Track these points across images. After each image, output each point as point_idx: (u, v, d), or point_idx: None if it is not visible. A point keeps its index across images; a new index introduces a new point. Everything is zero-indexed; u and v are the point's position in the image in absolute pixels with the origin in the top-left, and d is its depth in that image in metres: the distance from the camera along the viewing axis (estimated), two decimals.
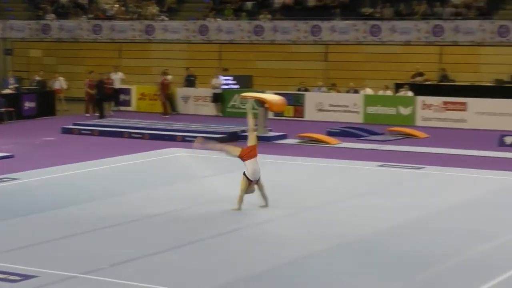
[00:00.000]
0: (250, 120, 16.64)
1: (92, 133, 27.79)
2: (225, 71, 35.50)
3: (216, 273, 11.28)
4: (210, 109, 34.40)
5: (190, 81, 36.12)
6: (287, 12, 38.68)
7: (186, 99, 35.13)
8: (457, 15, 34.59)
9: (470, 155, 22.90)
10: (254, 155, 15.63)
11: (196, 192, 17.34)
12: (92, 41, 42.12)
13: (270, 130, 26.94)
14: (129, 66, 39.58)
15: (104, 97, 34.02)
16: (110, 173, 20.22)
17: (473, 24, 33.59)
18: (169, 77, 34.54)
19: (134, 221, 14.60)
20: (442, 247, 12.72)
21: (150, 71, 38.93)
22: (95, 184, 18.41)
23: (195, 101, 35.07)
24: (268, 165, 20.90)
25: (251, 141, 15.94)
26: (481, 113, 29.06)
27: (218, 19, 39.55)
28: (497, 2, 35.21)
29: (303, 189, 17.84)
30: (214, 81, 34.35)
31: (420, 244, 12.97)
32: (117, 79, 35.84)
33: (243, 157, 15.57)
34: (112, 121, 30.47)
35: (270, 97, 27.59)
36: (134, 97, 36.79)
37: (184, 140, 25.46)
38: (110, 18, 42.53)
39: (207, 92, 34.65)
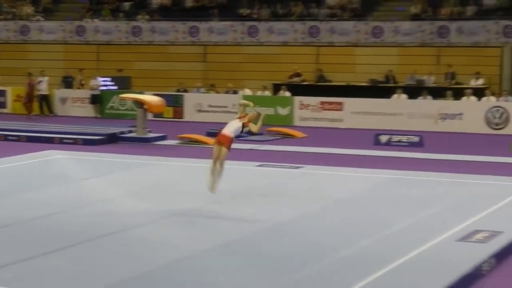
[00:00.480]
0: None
1: None
2: (120, 72, 35.33)
3: (99, 276, 11.08)
4: (88, 110, 33.91)
5: (67, 83, 35.64)
6: (165, 13, 38.52)
7: (63, 100, 34.61)
8: (332, 16, 35.13)
9: (347, 154, 23.33)
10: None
11: (76, 195, 17.06)
12: None
13: (150, 131, 26.76)
14: (5, 67, 38.59)
15: None
16: None
17: (348, 25, 34.20)
18: (45, 78, 33.92)
19: (11, 225, 14.19)
20: (321, 245, 12.85)
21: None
22: None
23: (73, 102, 34.59)
24: (147, 166, 20.94)
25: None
26: (357, 112, 29.66)
27: (96, 20, 39.18)
28: (371, 3, 35.92)
29: (182, 191, 17.79)
30: (92, 83, 33.98)
31: (298, 243, 13.08)
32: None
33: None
34: None
35: (148, 98, 27.52)
36: (9, 99, 35.90)
37: (61, 142, 25.15)
38: None
39: (85, 93, 34.25)
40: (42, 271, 11.42)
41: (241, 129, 16.31)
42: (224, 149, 15.92)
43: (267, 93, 32.73)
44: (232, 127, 16.20)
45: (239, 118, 16.36)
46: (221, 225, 14.48)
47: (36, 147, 24.30)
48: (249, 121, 16.38)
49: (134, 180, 19.06)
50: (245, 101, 17.66)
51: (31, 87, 33.78)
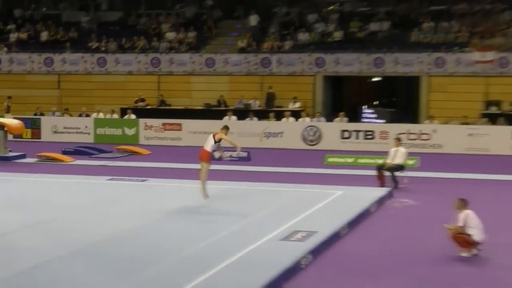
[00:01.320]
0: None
1: None
2: None
3: None
4: None
5: None
6: (22, 46, 37.27)
7: None
8: (171, 49, 35.09)
9: (186, 168, 23.27)
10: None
11: None
12: None
13: (10, 151, 25.81)
14: None
15: None
16: None
17: (185, 57, 34.23)
18: None
19: None
20: (163, 248, 12.80)
21: None
22: None
23: None
24: (8, 182, 20.19)
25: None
26: (194, 132, 29.62)
27: None
28: (204, 38, 36.06)
29: (39, 203, 17.13)
30: None
31: (143, 247, 12.96)
32: None
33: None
34: None
35: (9, 121, 26.65)
36: None
37: None
38: None
39: None
40: None
41: (213, 141, 17.07)
42: (203, 163, 17.04)
43: (115, 116, 32.38)
44: (207, 143, 17.20)
45: (213, 134, 17.29)
46: (74, 232, 14.11)
47: None
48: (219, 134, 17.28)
49: None
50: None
51: None
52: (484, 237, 12.67)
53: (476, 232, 12.64)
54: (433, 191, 19.02)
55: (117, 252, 12.59)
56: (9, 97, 33.83)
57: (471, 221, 12.64)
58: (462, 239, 12.65)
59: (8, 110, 32.81)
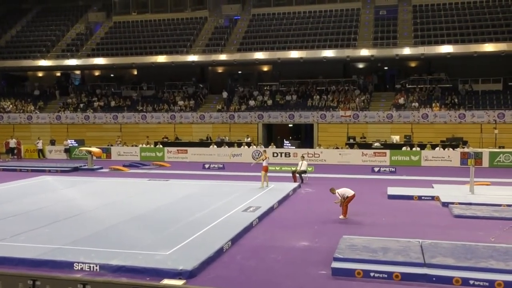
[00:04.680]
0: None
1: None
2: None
3: (59, 239, 10.43)
4: (63, 156, 31.52)
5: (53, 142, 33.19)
6: (101, 109, 36.03)
7: (50, 151, 32.05)
8: (181, 110, 34.68)
9: (190, 173, 23.17)
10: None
11: (57, 197, 15.87)
12: None
13: (94, 165, 25.31)
14: None
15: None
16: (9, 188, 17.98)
17: (188, 114, 34.14)
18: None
19: (25, 212, 13.09)
20: (178, 216, 12.71)
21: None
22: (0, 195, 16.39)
23: (55, 152, 32.12)
24: (92, 182, 19.88)
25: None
26: (194, 154, 29.46)
27: None
28: (199, 104, 35.81)
29: (110, 193, 16.87)
30: (65, 142, 31.78)
31: (167, 215, 12.84)
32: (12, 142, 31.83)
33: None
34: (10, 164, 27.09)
35: (94, 149, 26.05)
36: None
37: (50, 172, 23.51)
38: None
39: (62, 147, 31.97)
40: (42, 236, 10.61)
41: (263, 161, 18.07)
42: (263, 172, 17.81)
43: (151, 146, 31.90)
44: (265, 162, 17.99)
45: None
46: (129, 207, 13.85)
47: (37, 174, 22.61)
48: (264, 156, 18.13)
49: (87, 188, 18.09)
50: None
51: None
52: (352, 193, 12.97)
53: (347, 193, 12.98)
54: (321, 184, 19.15)
55: (153, 218, 12.54)
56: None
57: (342, 192, 13.00)
58: (348, 201, 12.92)
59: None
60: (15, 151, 31.32)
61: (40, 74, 41.44)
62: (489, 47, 30.24)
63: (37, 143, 31.71)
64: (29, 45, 39.22)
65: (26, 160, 30.44)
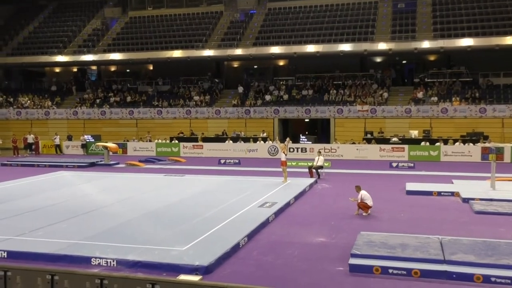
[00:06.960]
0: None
1: (17, 165, 24.92)
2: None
3: (76, 234, 10.58)
4: (80, 151, 31.92)
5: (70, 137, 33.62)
6: (117, 104, 36.33)
7: (67, 146, 32.46)
8: (196, 105, 34.79)
9: (206, 169, 23.22)
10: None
11: (74, 191, 16.11)
12: None
13: (111, 161, 25.57)
14: None
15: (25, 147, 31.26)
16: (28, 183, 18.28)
17: (204, 109, 34.23)
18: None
19: (45, 207, 13.31)
20: (194, 211, 12.75)
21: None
22: (19, 190, 16.53)
23: (72, 147, 32.51)
24: (108, 178, 20.10)
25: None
26: (209, 149, 29.53)
27: None
28: (214, 99, 36.04)
29: (125, 188, 17.01)
30: (82, 137, 32.16)
31: (182, 211, 12.89)
32: (30, 137, 32.34)
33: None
34: (28, 159, 27.51)
35: (110, 144, 26.33)
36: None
37: (67, 167, 23.81)
38: None
39: (79, 143, 32.38)
40: (59, 231, 10.77)
41: (282, 155, 17.81)
42: (283, 167, 17.88)
43: (167, 141, 32.04)
44: (282, 155, 17.81)
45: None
46: (143, 203, 13.96)
47: (55, 169, 22.94)
48: (282, 149, 18.06)
49: (104, 184, 18.29)
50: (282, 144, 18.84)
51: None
52: (372, 203, 12.86)
53: (369, 201, 12.84)
54: (338, 180, 19.14)
55: (168, 214, 12.59)
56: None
57: (364, 196, 12.84)
58: (363, 204, 12.83)
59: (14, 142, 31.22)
60: (33, 146, 31.80)
61: (57, 69, 41.92)
62: (511, 40, 29.65)
63: (55, 138, 32.10)
64: (46, 41, 39.70)
65: (44, 155, 30.83)
